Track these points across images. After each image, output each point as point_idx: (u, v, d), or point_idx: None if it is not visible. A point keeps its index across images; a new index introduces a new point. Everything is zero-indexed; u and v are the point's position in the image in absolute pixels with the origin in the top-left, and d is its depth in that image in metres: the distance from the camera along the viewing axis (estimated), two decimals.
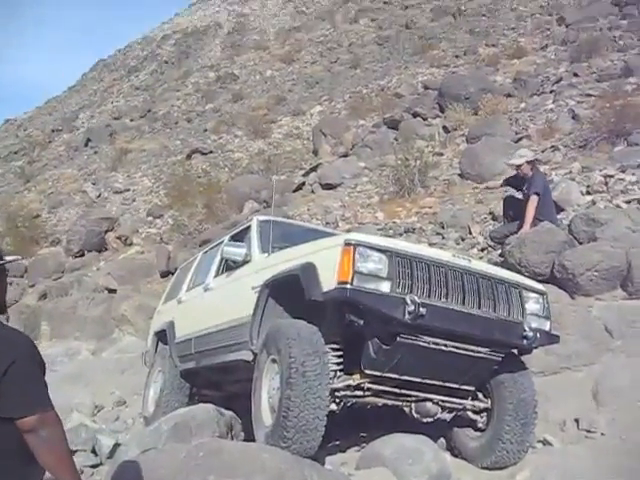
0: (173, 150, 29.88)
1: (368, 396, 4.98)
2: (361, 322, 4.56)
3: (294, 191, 16.90)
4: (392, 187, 13.78)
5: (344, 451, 5.76)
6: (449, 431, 5.63)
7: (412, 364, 4.76)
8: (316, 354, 4.51)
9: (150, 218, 21.72)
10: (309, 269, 4.71)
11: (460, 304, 4.69)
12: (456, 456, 5.52)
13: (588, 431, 5.58)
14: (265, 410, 4.91)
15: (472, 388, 5.24)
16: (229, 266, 6.40)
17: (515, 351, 5.30)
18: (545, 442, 5.64)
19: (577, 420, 5.75)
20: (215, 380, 7.18)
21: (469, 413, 5.37)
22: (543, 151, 12.56)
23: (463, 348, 4.75)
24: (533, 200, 8.07)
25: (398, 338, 4.53)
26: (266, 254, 5.87)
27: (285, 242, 5.98)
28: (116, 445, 7.24)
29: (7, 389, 2.44)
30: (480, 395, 5.36)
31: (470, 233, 10.33)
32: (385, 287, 4.43)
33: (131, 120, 40.36)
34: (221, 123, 31.43)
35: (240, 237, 6.70)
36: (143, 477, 4.22)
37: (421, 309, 4.31)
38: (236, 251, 6.09)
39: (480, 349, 4.84)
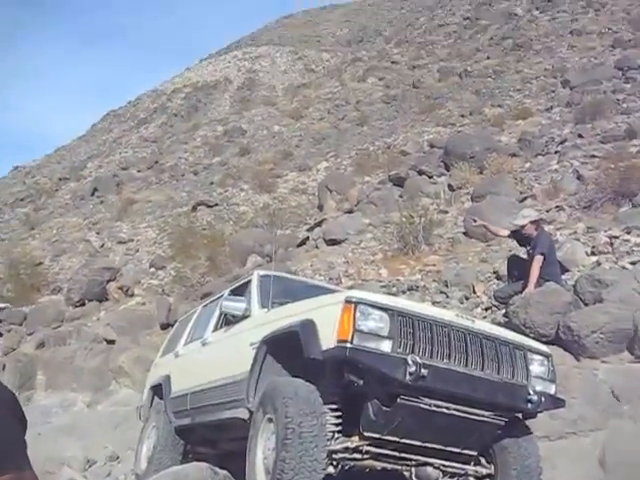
0: (179, 202, 30.03)
1: (367, 459, 4.77)
2: (360, 382, 4.39)
3: (298, 246, 16.86)
4: (396, 244, 13.71)
5: None
6: None
7: (413, 427, 4.60)
8: (313, 414, 4.35)
9: (152, 269, 21.63)
10: (308, 326, 4.59)
11: (463, 365, 4.56)
12: None
13: None
14: (260, 471, 4.75)
15: (474, 453, 5.05)
16: (228, 320, 6.26)
17: (519, 415, 5.12)
18: None
19: None
20: (210, 437, 7.00)
21: (471, 479, 5.15)
22: (548, 211, 12.54)
23: (465, 411, 4.60)
24: (538, 260, 8.00)
25: (398, 400, 4.38)
26: (266, 309, 5.78)
27: (286, 297, 5.88)
28: None
29: None
30: (483, 460, 5.16)
31: (474, 292, 10.22)
32: (386, 346, 4.31)
33: (138, 171, 40.69)
34: (227, 176, 31.63)
35: (240, 291, 6.57)
36: None
37: (423, 370, 4.19)
38: (235, 305, 5.97)
39: (483, 412, 4.69)
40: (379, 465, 4.89)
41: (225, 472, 5.83)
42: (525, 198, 14.03)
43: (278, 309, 5.60)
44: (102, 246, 26.64)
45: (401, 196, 17.94)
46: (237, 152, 36.91)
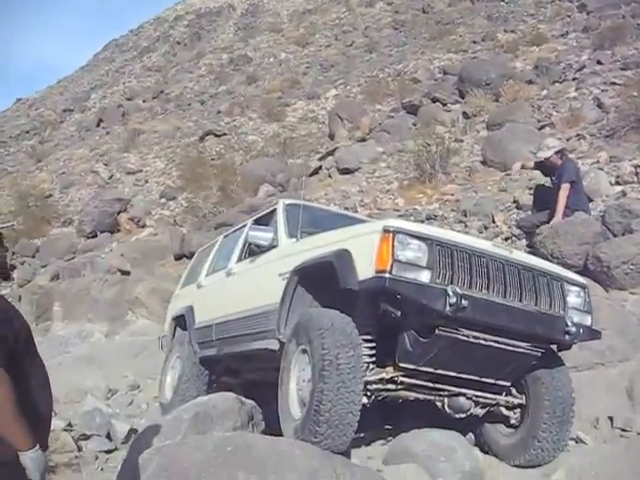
0: (186, 132, 29.69)
1: (400, 390, 4.77)
2: (398, 313, 4.29)
3: (310, 175, 16.63)
4: (412, 173, 13.53)
5: (369, 444, 5.58)
6: (480, 427, 5.41)
7: (449, 358, 4.54)
8: (350, 346, 4.29)
9: (163, 200, 21.54)
10: (344, 256, 4.46)
11: (501, 296, 4.46)
12: (486, 453, 5.32)
13: (623, 430, 5.38)
14: (294, 403, 4.70)
15: (508, 383, 5.02)
16: (253, 251, 6.16)
17: (554, 346, 5.07)
18: (578, 440, 5.42)
19: (611, 418, 5.55)
20: (235, 368, 7.00)
21: (502, 409, 5.15)
22: (568, 140, 12.26)
23: (503, 342, 4.53)
24: (565, 188, 7.84)
25: (437, 331, 4.30)
26: (294, 239, 5.63)
27: (313, 227, 5.74)
28: (131, 430, 7.12)
29: None
30: (514, 391, 5.15)
31: (493, 222, 10.08)
32: (425, 277, 4.19)
33: (143, 101, 40.17)
34: (235, 105, 31.15)
35: (264, 221, 6.45)
36: (167, 471, 4.05)
37: (463, 301, 4.08)
38: (262, 235, 5.84)
39: (520, 344, 4.63)
40: (412, 396, 4.88)
41: (251, 402, 5.84)
42: (544, 126, 13.74)
43: (308, 239, 5.45)
44: (111, 177, 26.48)
45: (415, 124, 17.66)
46: (244, 80, 36.28)
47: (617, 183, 9.47)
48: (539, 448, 4.93)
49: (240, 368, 6.95)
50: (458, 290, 4.13)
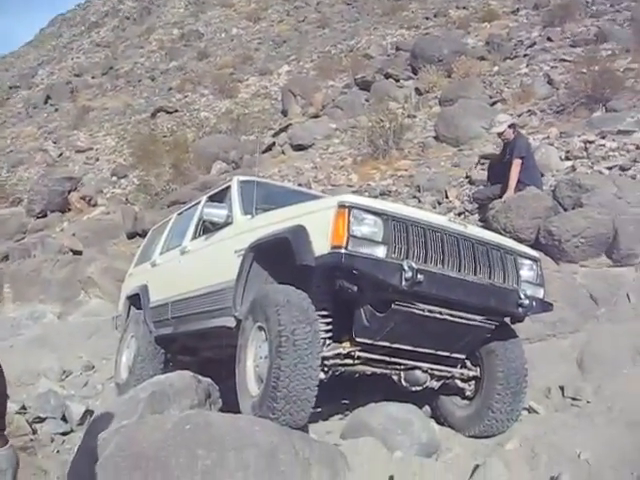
0: (137, 108, 29.26)
1: (357, 364, 4.81)
2: (354, 288, 4.35)
3: (264, 152, 16.56)
4: (366, 149, 13.55)
5: (326, 419, 5.64)
6: (435, 399, 5.52)
7: (405, 332, 4.59)
8: (307, 321, 4.30)
9: (115, 178, 21.22)
10: (300, 232, 4.45)
11: (456, 271, 4.51)
12: (442, 424, 5.41)
13: (574, 399, 5.51)
14: (251, 380, 4.70)
15: (462, 356, 5.12)
16: (207, 228, 6.12)
17: (507, 319, 5.16)
18: (530, 410, 5.55)
19: (562, 388, 5.68)
20: (192, 346, 6.98)
21: (457, 381, 5.26)
22: (519, 115, 12.43)
23: (458, 316, 4.59)
24: (517, 164, 7.97)
25: (392, 305, 4.33)
26: (249, 216, 5.60)
27: (268, 204, 5.71)
28: (87, 412, 7.05)
29: None
30: (469, 363, 5.25)
31: (447, 197, 10.18)
32: (381, 252, 4.21)
33: (92, 77, 39.38)
34: (186, 81, 30.79)
35: (219, 198, 6.38)
36: (125, 451, 4.03)
37: (418, 275, 4.13)
38: (217, 212, 5.79)
39: (475, 317, 4.70)
40: (369, 370, 4.93)
41: (208, 380, 5.81)
42: (495, 102, 13.92)
43: (263, 215, 5.42)
44: (60, 155, 25.97)
45: (368, 100, 17.69)
46: (195, 56, 35.82)
47: (567, 158, 9.61)
48: (493, 419, 5.04)
49: (197, 346, 6.92)
50: (414, 265, 4.15)
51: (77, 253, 14.75)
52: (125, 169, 21.18)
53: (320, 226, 4.31)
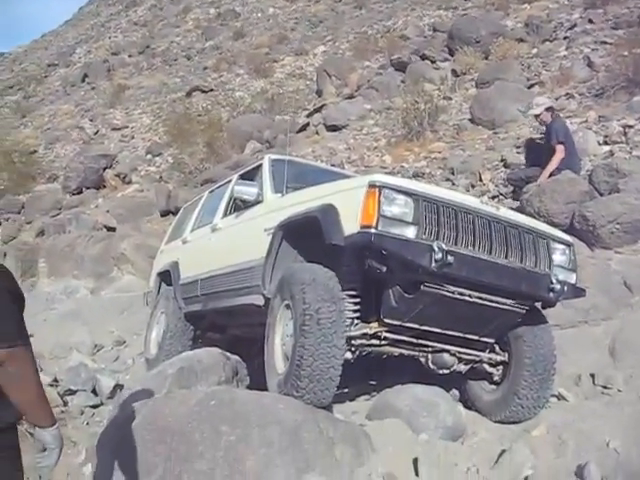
0: (172, 87, 29.34)
1: (385, 345, 4.78)
2: (383, 269, 4.27)
3: (298, 132, 16.51)
4: (400, 130, 13.41)
5: (353, 399, 5.64)
6: (463, 383, 5.48)
7: (434, 314, 4.53)
8: (332, 300, 4.28)
9: (149, 156, 21.36)
10: (329, 211, 4.40)
11: (487, 253, 4.42)
12: (469, 408, 5.38)
13: (604, 387, 5.43)
14: (278, 357, 4.71)
15: (491, 340, 5.05)
16: (238, 206, 6.12)
17: (538, 304, 5.08)
18: (560, 397, 5.48)
19: (593, 375, 5.61)
20: (220, 323, 7.01)
21: (485, 366, 5.20)
22: (557, 99, 12.17)
23: (488, 299, 4.51)
24: (560, 150, 7.88)
25: (422, 287, 4.27)
26: (280, 194, 5.58)
27: (299, 183, 5.65)
28: (116, 386, 7.14)
29: None
30: (497, 348, 5.18)
31: (480, 180, 10.04)
32: (410, 233, 4.14)
33: (129, 56, 39.60)
34: (222, 61, 30.78)
35: (250, 176, 6.38)
36: (151, 424, 4.07)
37: (448, 257, 4.06)
38: (248, 190, 5.77)
39: (505, 301, 4.61)
40: (396, 351, 4.89)
41: (236, 357, 5.86)
42: (533, 85, 13.64)
43: (294, 194, 5.38)
44: (96, 133, 26.20)
45: (403, 81, 17.47)
46: (231, 36, 35.78)
47: (605, 143, 9.41)
48: (519, 405, 4.98)
49: (225, 323, 6.96)
50: (444, 246, 4.08)
51: (111, 230, 14.94)
52: (160, 147, 21.29)
53: (350, 205, 4.26)
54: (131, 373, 8.10)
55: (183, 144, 18.41)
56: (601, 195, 7.45)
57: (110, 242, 13.46)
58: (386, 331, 4.64)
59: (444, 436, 4.72)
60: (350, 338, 4.54)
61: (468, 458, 4.29)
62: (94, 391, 7.07)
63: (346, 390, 5.41)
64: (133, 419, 4.38)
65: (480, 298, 4.48)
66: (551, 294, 4.71)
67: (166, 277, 7.73)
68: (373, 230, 4.04)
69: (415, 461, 4.09)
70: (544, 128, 8.54)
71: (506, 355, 5.15)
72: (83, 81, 36.75)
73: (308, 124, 17.05)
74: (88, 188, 19.15)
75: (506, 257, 4.52)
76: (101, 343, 9.18)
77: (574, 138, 8.91)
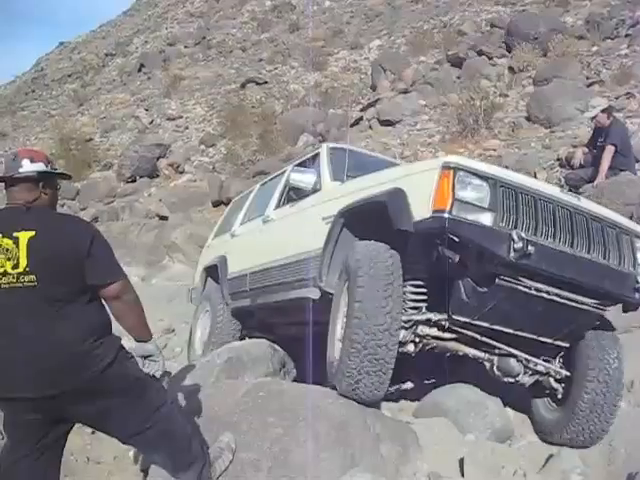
0: (227, 79, 29.48)
1: (449, 340, 4.45)
2: (456, 258, 3.87)
3: (351, 126, 16.47)
4: (455, 127, 13.30)
5: (401, 397, 5.57)
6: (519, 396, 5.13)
7: (507, 312, 4.18)
8: (389, 278, 4.02)
9: (203, 147, 21.52)
10: (398, 195, 4.08)
11: (569, 246, 4.07)
12: (517, 410, 5.29)
13: None
14: (336, 347, 4.42)
15: (566, 345, 4.64)
16: (291, 197, 5.91)
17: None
18: None
19: None
20: (269, 321, 6.80)
21: (551, 380, 4.82)
22: (617, 98, 11.97)
23: (567, 297, 4.15)
24: (609, 150, 7.78)
25: (496, 280, 3.95)
26: (339, 182, 5.34)
27: (358, 172, 5.37)
28: (165, 373, 7.18)
29: (94, 260, 2.93)
30: (561, 362, 4.82)
31: (535, 178, 9.89)
32: (487, 219, 3.81)
33: (185, 47, 39.87)
34: (277, 53, 30.82)
35: (306, 165, 6.08)
36: (198, 413, 4.10)
37: (529, 247, 3.75)
38: (304, 178, 5.50)
39: (585, 300, 4.24)
40: (461, 350, 4.59)
41: (283, 351, 5.87)
42: (592, 84, 13.42)
43: (355, 180, 5.10)
44: (151, 123, 26.49)
45: (459, 77, 17.32)
46: (286, 28, 35.81)
47: None
48: (581, 428, 4.59)
49: (274, 321, 6.75)
50: (524, 235, 3.77)
51: (163, 218, 15.12)
52: (213, 138, 21.44)
53: (421, 188, 3.95)
54: (179, 361, 8.17)
55: (236, 136, 18.53)
56: None
57: (162, 231, 13.64)
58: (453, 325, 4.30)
59: (491, 438, 4.67)
60: (413, 324, 4.29)
61: (515, 461, 4.23)
62: None
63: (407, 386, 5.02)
64: (180, 407, 4.43)
65: (558, 295, 4.12)
66: (637, 295, 4.37)
67: (213, 272, 7.46)
68: (447, 215, 3.73)
69: (461, 461, 4.05)
70: (596, 129, 8.39)
71: (570, 370, 4.76)
72: (139, 71, 37.19)
73: (361, 118, 17.00)
74: (142, 177, 19.40)
75: (588, 252, 4.17)
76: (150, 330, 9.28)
77: (633, 139, 8.74)
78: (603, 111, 8.13)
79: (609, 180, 7.46)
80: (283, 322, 6.56)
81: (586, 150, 8.53)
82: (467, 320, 4.20)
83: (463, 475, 3.92)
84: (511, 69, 16.58)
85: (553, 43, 16.34)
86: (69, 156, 21.93)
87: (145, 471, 4.44)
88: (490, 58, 17.80)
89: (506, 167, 10.13)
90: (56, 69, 46.30)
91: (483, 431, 4.68)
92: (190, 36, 41.58)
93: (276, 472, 3.56)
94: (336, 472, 3.61)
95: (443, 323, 4.29)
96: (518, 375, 4.69)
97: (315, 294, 5.01)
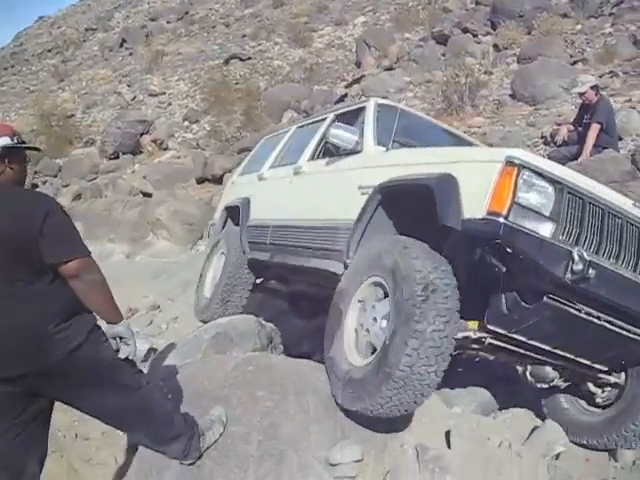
0: (210, 55, 29.26)
1: (481, 349, 4.04)
2: (503, 269, 3.41)
3: (336, 103, 16.44)
4: (439, 104, 13.29)
5: None
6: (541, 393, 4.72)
7: (548, 330, 3.71)
8: (449, 288, 3.46)
9: (186, 123, 21.43)
10: (448, 183, 3.53)
11: (631, 270, 3.57)
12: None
13: None
14: (351, 346, 3.92)
15: (605, 368, 4.22)
16: (329, 151, 5.28)
17: None
18: None
19: None
20: (286, 277, 6.35)
21: (589, 384, 4.45)
22: (601, 76, 11.97)
23: (618, 325, 3.69)
24: (595, 128, 7.81)
25: (544, 298, 3.43)
26: (383, 148, 4.68)
27: (408, 138, 4.91)
28: (150, 349, 7.22)
29: (49, 238, 2.76)
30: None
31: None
32: (547, 230, 3.30)
33: (167, 22, 39.46)
34: (260, 29, 30.59)
35: (348, 119, 5.38)
36: (187, 388, 4.12)
37: (590, 270, 3.28)
38: (345, 135, 4.79)
39: (637, 330, 3.78)
40: (492, 357, 4.20)
41: (271, 325, 5.89)
42: (576, 62, 13.45)
43: (401, 151, 4.58)
44: (134, 99, 26.29)
45: (444, 54, 17.31)
46: (270, 4, 35.49)
47: None
48: (633, 434, 4.19)
49: (291, 279, 6.30)
50: (586, 255, 3.28)
51: (147, 195, 15.08)
52: (197, 114, 21.35)
53: (477, 182, 3.42)
54: (165, 337, 8.18)
55: (220, 112, 18.46)
56: None
57: (146, 207, 13.59)
58: (489, 337, 3.81)
59: (477, 410, 4.74)
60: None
61: (500, 433, 4.28)
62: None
63: None
64: (170, 382, 4.45)
65: (610, 322, 3.66)
66: None
67: (234, 213, 6.86)
68: (502, 220, 3.21)
69: (447, 434, 4.10)
70: (582, 106, 8.44)
71: (622, 377, 4.33)
72: (121, 46, 36.80)
73: (346, 95, 16.96)
74: (125, 153, 19.32)
75: None
76: (136, 307, 9.29)
77: (616, 117, 8.79)
78: (592, 88, 8.17)
79: (592, 158, 7.51)
80: (299, 279, 6.12)
81: (571, 128, 8.56)
82: (503, 332, 3.75)
83: (450, 447, 3.97)
84: (496, 47, 16.59)
85: (538, 21, 16.34)
86: (50, 132, 21.75)
87: (134, 446, 4.48)
88: (475, 35, 17.78)
89: (490, 145, 10.21)
90: (36, 44, 45.62)
91: (468, 404, 4.76)
92: (172, 11, 41.17)
93: (266, 445, 3.59)
94: (326, 444, 3.65)
95: (483, 340, 3.82)
96: (552, 381, 4.36)
97: (339, 269, 4.52)
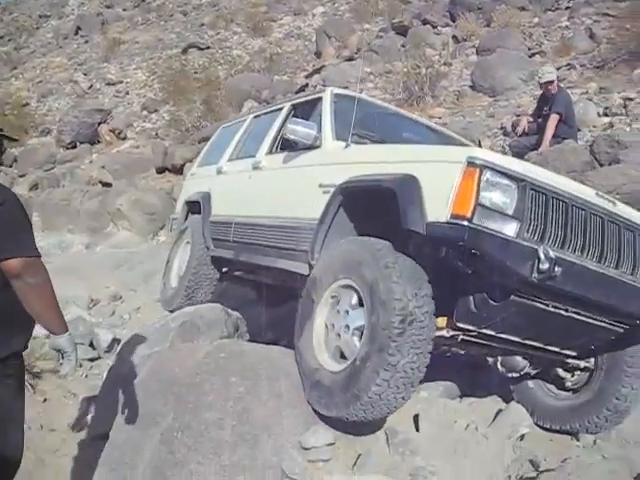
0: (168, 43, 28.95)
1: (453, 345, 4.01)
2: (469, 271, 3.37)
3: (296, 93, 16.44)
4: (400, 94, 13.39)
5: None
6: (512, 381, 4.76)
7: (517, 324, 3.71)
8: (425, 296, 3.44)
9: (145, 112, 21.21)
10: (411, 186, 3.45)
11: (596, 261, 3.55)
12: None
13: None
14: (320, 349, 3.88)
15: (574, 353, 4.23)
16: (288, 144, 5.06)
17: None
18: None
19: None
20: (252, 270, 6.18)
21: (558, 370, 4.47)
22: (558, 69, 12.16)
23: (585, 315, 3.70)
24: (554, 118, 8.00)
25: (512, 296, 3.43)
26: (343, 143, 4.53)
27: (368, 131, 4.80)
28: (114, 340, 7.20)
29: None
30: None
31: (480, 147, 10.06)
32: (511, 230, 3.24)
33: (124, 10, 38.88)
34: (219, 18, 30.36)
35: (304, 110, 5.28)
36: (158, 376, 4.14)
37: (556, 268, 3.22)
38: (302, 131, 4.65)
39: (604, 318, 3.80)
40: (463, 351, 4.19)
41: (237, 314, 5.93)
42: (534, 54, 13.71)
43: (362, 147, 4.49)
44: (90, 87, 25.92)
45: (404, 45, 17.42)
46: None
47: (605, 114, 9.49)
48: (604, 417, 4.21)
49: (257, 272, 6.12)
50: (551, 253, 3.23)
51: (106, 185, 14.92)
52: (155, 104, 21.14)
53: (438, 183, 3.35)
54: (128, 328, 8.15)
55: (180, 101, 18.30)
56: (601, 166, 7.50)
57: (106, 197, 13.46)
58: (459, 334, 3.77)
59: (443, 394, 4.80)
60: None
61: (466, 416, 4.36)
62: (91, 345, 7.14)
63: None
64: (136, 371, 4.46)
65: (577, 313, 3.67)
66: None
67: (195, 208, 6.77)
68: (467, 223, 3.15)
69: (416, 417, 4.17)
70: (541, 96, 8.62)
71: (592, 361, 4.34)
72: (76, 34, 36.12)
73: (307, 85, 16.96)
74: (82, 143, 19.05)
75: (617, 267, 3.66)
76: (97, 298, 9.22)
77: (575, 109, 8.98)
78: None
79: (553, 148, 7.67)
80: (266, 274, 5.97)
81: (531, 119, 8.71)
82: (473, 329, 3.71)
83: (418, 430, 4.04)
84: (455, 38, 16.77)
85: (496, 14, 16.59)
86: (4, 121, 21.23)
87: (101, 435, 4.47)
88: (434, 27, 17.95)
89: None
90: None
91: (435, 388, 4.83)
92: None
93: (239, 430, 3.63)
94: (299, 428, 3.71)
95: (455, 337, 3.77)
96: (523, 370, 4.37)
97: (304, 270, 4.46)
